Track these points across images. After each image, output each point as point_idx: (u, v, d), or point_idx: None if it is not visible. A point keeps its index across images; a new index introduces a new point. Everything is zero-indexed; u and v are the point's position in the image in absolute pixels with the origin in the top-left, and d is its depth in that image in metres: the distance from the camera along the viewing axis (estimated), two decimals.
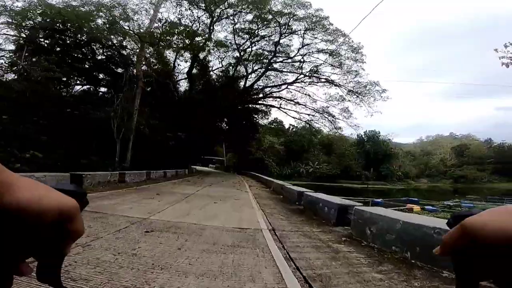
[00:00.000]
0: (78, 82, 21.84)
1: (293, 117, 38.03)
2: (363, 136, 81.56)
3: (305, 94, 36.02)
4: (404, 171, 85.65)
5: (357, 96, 33.15)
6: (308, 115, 38.00)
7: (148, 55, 23.09)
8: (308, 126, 67.94)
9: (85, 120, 18.33)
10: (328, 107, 35.57)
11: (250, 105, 40.45)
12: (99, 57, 22.32)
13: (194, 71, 34.52)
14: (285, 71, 35.15)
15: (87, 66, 21.75)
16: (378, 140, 79.54)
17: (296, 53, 32.66)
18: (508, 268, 0.33)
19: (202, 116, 29.27)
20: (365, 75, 32.15)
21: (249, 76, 35.09)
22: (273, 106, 38.36)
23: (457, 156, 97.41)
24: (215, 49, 32.96)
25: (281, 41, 31.38)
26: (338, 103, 34.80)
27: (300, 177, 71.71)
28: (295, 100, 36.60)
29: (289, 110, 38.19)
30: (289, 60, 33.85)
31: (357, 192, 53.02)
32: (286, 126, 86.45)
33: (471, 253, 0.36)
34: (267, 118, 42.72)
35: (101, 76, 23.37)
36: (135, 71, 21.88)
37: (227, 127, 43.63)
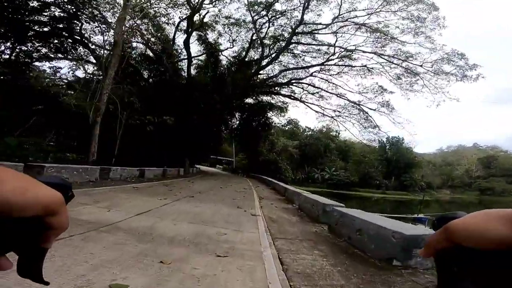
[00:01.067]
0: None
1: (316, 111, 31.37)
2: (385, 143, 73.90)
3: (332, 84, 29.44)
4: (427, 181, 77.61)
5: (412, 78, 25.78)
6: (334, 111, 31.22)
7: (134, 16, 17.06)
8: (326, 127, 61.25)
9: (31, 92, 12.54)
10: (360, 101, 28.77)
11: (264, 99, 34.21)
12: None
13: (198, 48, 28.60)
14: (308, 57, 28.74)
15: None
16: (401, 148, 71.73)
17: (328, 26, 25.87)
18: (487, 270, 0.33)
19: (208, 105, 23.28)
20: (437, 47, 24.09)
21: (264, 61, 28.79)
22: (293, 98, 31.81)
23: (484, 168, 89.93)
24: (225, 26, 26.92)
25: (305, 16, 25.03)
26: (375, 96, 27.90)
27: (314, 183, 65.00)
28: (320, 91, 30.08)
29: (312, 104, 31.66)
30: (315, 43, 27.41)
31: (379, 203, 46.61)
32: (301, 129, 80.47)
33: (453, 255, 0.36)
34: (283, 115, 36.33)
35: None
36: (113, 36, 15.94)
37: (237, 122, 37.52)
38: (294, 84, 30.91)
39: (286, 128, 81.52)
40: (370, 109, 28.45)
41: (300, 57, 28.63)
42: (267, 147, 44.08)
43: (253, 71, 29.29)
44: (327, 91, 29.86)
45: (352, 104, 29.21)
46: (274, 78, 29.80)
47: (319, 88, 30.33)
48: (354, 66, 27.47)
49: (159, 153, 19.41)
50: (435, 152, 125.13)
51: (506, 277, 0.32)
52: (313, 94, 30.70)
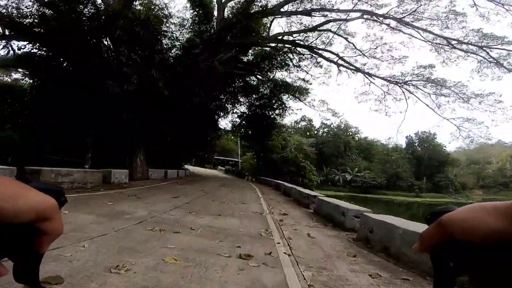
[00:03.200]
0: None
1: (382, 79, 20.92)
2: (414, 139, 62.62)
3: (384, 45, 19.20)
4: (460, 182, 65.63)
5: None
6: (392, 81, 20.55)
7: None
8: (345, 123, 50.53)
9: None
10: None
11: (277, 76, 24.18)
12: None
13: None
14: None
15: None
16: (434, 144, 60.26)
17: None
18: (482, 263, 0.32)
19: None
20: None
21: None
22: (326, 59, 21.36)
23: None
24: None
25: None
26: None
27: (335, 185, 54.50)
28: (365, 52, 19.72)
29: (355, 70, 21.29)
30: None
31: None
32: (316, 126, 70.01)
33: (448, 249, 0.35)
34: (304, 98, 25.91)
35: None
36: None
37: (242, 110, 27.49)
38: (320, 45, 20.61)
39: (299, 126, 71.47)
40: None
41: None
42: (280, 142, 33.34)
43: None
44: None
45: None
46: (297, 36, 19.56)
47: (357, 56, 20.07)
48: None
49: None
50: (456, 150, 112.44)
51: (502, 270, 0.31)
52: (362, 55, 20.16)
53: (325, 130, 65.13)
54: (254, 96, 25.22)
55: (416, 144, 62.30)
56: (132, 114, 11.54)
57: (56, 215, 0.35)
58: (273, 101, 25.58)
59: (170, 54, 13.33)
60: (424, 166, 59.07)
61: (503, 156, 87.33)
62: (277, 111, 26.84)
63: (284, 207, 8.94)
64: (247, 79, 23.30)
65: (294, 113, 27.01)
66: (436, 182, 58.48)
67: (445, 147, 62.77)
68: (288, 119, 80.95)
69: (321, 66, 23.45)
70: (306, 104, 25.36)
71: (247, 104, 26.75)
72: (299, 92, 24.92)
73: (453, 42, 18.09)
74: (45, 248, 0.36)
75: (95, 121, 11.41)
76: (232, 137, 43.07)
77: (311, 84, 24.52)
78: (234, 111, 27.32)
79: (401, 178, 55.97)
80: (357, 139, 67.08)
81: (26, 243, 0.34)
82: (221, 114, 25.94)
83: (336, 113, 26.75)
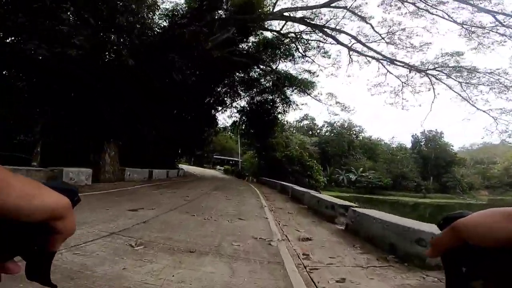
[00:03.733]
0: None
1: (401, 65, 17.90)
2: (420, 138, 59.68)
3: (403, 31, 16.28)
4: (467, 182, 62.64)
5: None
6: (417, 68, 17.48)
7: None
8: (348, 122, 47.66)
9: None
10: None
11: (280, 67, 21.25)
12: None
13: None
14: None
15: None
16: (440, 143, 57.35)
17: None
18: (497, 268, 0.32)
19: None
20: None
21: None
22: (338, 42, 18.29)
23: None
24: None
25: None
26: None
27: (339, 186, 51.56)
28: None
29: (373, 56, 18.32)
30: None
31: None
32: (318, 125, 66.94)
33: (461, 254, 0.34)
34: (310, 91, 22.90)
35: None
36: None
37: (242, 105, 24.56)
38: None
39: (301, 124, 68.33)
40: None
41: None
42: (284, 140, 30.21)
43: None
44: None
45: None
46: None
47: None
48: None
49: None
50: (459, 150, 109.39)
51: None
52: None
53: (328, 129, 62.23)
54: (255, 89, 22.37)
55: (423, 143, 59.29)
56: (93, 95, 8.56)
57: (69, 214, 0.35)
58: (276, 95, 22.72)
59: (145, 19, 10.44)
60: (431, 165, 56.13)
61: (508, 156, 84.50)
62: (280, 106, 23.96)
63: (301, 223, 5.99)
64: (248, 70, 20.38)
65: (298, 108, 24.16)
66: (443, 182, 55.53)
67: (452, 146, 59.96)
68: (291, 116, 77.64)
69: (329, 56, 20.63)
70: (313, 98, 22.44)
71: (247, 98, 23.86)
72: (304, 86, 21.99)
73: (489, 25, 15.19)
74: (57, 247, 0.36)
75: (43, 104, 8.44)
76: (232, 135, 40.01)
77: (317, 76, 21.76)
78: (234, 105, 24.44)
79: (407, 178, 53.01)
80: (360, 138, 64.11)
81: (39, 241, 0.34)
82: (219, 108, 23.03)
83: (345, 107, 23.79)
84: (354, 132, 63.53)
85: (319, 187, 25.85)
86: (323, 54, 19.57)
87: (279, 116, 24.37)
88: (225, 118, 26.67)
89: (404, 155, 58.30)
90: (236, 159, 45.27)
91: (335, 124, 61.68)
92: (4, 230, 0.31)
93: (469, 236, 0.33)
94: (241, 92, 23.20)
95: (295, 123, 63.47)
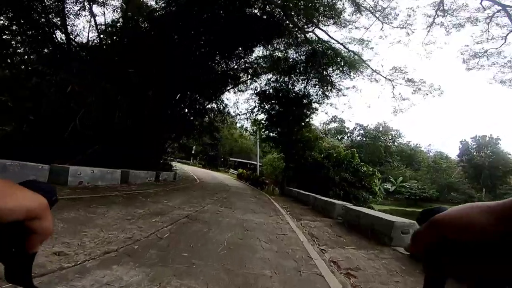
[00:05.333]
0: None
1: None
2: (471, 144, 50.81)
3: None
4: None
5: None
6: None
7: None
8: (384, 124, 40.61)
9: None
10: None
11: (314, 36, 15.51)
12: None
13: None
14: None
15: None
16: (496, 151, 48.28)
17: None
18: (473, 263, 0.32)
19: None
20: None
21: None
22: None
23: None
24: None
25: None
26: None
27: (374, 196, 44.44)
28: None
29: None
30: None
31: None
32: (348, 127, 59.72)
33: (439, 249, 0.34)
34: (360, 71, 16.78)
35: None
36: None
37: (262, 87, 18.89)
38: None
39: (329, 127, 61.28)
40: None
41: None
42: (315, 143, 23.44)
43: None
44: None
45: None
46: None
47: None
48: None
49: None
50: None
51: (492, 268, 0.30)
52: None
53: (360, 132, 55.07)
54: (281, 65, 16.65)
55: (474, 150, 50.33)
56: None
57: (46, 214, 0.33)
58: (311, 75, 16.98)
59: None
60: (485, 175, 47.11)
61: None
62: (315, 91, 18.00)
63: None
64: (271, 38, 14.72)
65: (342, 93, 17.71)
66: (499, 194, 46.16)
67: (510, 154, 50.38)
68: (317, 119, 70.46)
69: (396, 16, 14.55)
70: (369, 76, 16.30)
71: (270, 78, 18.27)
72: (350, 65, 15.98)
73: None
74: (36, 248, 0.34)
75: None
76: (251, 133, 34.21)
77: (372, 48, 15.63)
78: (251, 86, 18.81)
79: (456, 189, 44.61)
80: (397, 143, 56.20)
81: (16, 243, 0.32)
82: (230, 84, 17.44)
83: (419, 84, 15.97)
84: (391, 136, 55.81)
85: (375, 202, 19.14)
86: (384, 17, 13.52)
87: (314, 104, 18.23)
88: (241, 102, 20.75)
89: (445, 163, 49.82)
90: (255, 162, 38.94)
91: (368, 127, 54.55)
92: None
93: (446, 230, 0.32)
94: (259, 69, 17.51)
95: (321, 125, 56.87)
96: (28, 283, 0.34)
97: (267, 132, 20.84)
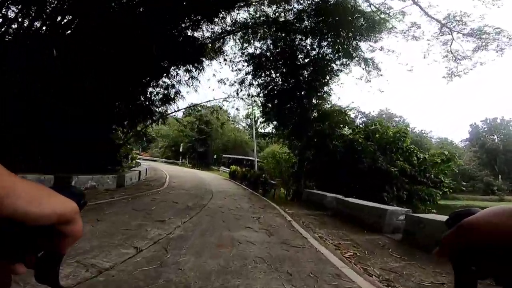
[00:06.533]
0: None
1: None
2: (482, 127, 46.55)
3: None
4: None
5: None
6: None
7: None
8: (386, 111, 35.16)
9: None
10: None
11: None
12: None
13: None
14: None
15: None
16: (510, 133, 44.18)
17: None
18: (506, 267, 0.30)
19: None
20: None
21: None
22: None
23: None
24: None
25: None
26: None
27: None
28: None
29: None
30: None
31: None
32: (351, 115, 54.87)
33: (469, 253, 0.32)
34: (379, 37, 11.64)
35: None
36: None
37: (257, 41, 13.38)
38: None
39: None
40: None
41: None
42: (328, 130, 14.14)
43: None
44: None
45: None
46: None
47: None
48: None
49: None
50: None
51: None
52: None
53: (362, 120, 50.26)
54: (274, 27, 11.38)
55: (485, 134, 46.13)
56: None
57: (76, 218, 0.35)
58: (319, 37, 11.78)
59: None
60: (500, 161, 42.96)
61: None
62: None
63: None
64: None
65: (368, 59, 12.64)
66: None
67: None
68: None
69: None
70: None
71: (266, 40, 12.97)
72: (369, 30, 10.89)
73: None
74: (66, 250, 0.36)
75: None
76: (245, 116, 28.32)
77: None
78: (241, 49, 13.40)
79: (473, 177, 40.30)
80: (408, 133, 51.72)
81: (47, 245, 0.34)
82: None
83: (493, 35, 11.04)
84: (394, 123, 51.29)
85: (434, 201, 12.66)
86: None
87: (335, 66, 12.92)
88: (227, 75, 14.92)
89: (456, 150, 45.53)
90: (252, 158, 32.14)
91: (370, 115, 49.81)
92: (12, 234, 0.30)
93: (475, 235, 0.31)
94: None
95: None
96: (55, 283, 0.35)
97: (266, 109, 14.99)
